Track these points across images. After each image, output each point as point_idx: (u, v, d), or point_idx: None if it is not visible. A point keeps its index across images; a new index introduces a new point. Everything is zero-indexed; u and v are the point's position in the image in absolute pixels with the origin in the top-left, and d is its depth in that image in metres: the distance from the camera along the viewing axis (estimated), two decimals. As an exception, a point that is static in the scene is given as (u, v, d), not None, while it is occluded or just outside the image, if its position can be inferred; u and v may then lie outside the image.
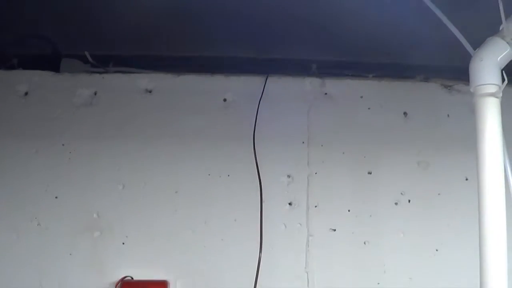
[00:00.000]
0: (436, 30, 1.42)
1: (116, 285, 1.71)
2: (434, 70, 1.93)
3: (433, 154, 1.88)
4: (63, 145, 1.82)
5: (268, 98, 1.85)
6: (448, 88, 1.93)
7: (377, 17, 1.59)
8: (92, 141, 1.82)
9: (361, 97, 1.90)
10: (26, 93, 1.85)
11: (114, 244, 1.78)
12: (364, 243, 1.82)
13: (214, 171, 1.82)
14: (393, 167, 1.86)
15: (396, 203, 1.85)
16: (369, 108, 1.90)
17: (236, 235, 1.79)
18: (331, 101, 1.89)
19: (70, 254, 1.76)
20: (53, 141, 1.82)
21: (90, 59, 1.86)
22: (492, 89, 1.27)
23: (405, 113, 1.90)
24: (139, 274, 1.74)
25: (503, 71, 1.29)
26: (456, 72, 1.82)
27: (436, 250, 1.83)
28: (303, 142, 1.86)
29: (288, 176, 1.84)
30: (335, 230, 1.82)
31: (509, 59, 1.30)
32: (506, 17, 1.30)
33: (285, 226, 1.81)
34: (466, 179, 1.86)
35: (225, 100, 1.87)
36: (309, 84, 1.90)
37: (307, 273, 1.78)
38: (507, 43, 1.28)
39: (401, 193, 1.85)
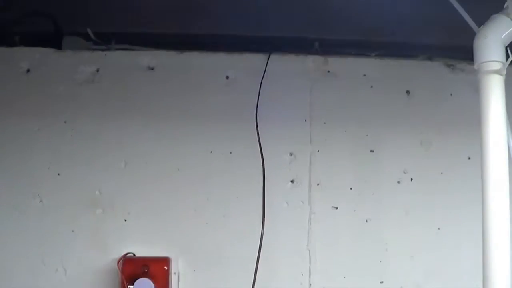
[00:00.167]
0: (440, 8, 1.41)
1: (118, 261, 1.71)
2: (437, 49, 1.92)
3: (436, 133, 1.88)
4: (65, 122, 1.82)
5: (270, 76, 1.84)
6: (451, 67, 1.92)
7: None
8: (94, 118, 1.82)
9: (364, 75, 1.89)
10: (28, 70, 1.84)
11: (116, 221, 1.78)
12: (366, 221, 1.82)
13: (216, 148, 1.82)
14: (395, 145, 1.86)
15: (398, 182, 1.85)
16: (371, 87, 1.89)
17: (238, 212, 1.79)
18: (333, 79, 1.88)
19: (73, 231, 1.77)
20: (55, 118, 1.82)
21: (92, 36, 1.85)
22: (497, 66, 1.27)
23: (408, 92, 1.90)
24: (141, 251, 1.74)
25: (508, 49, 1.29)
26: (459, 51, 1.81)
27: (438, 229, 1.83)
28: (305, 120, 1.85)
29: (291, 154, 1.84)
30: (337, 208, 1.82)
31: (514, 37, 1.29)
32: (511, -6, 1.29)
33: (287, 204, 1.81)
34: (469, 158, 1.86)
35: (227, 77, 1.86)
36: (312, 62, 1.89)
37: (309, 250, 1.79)
38: (512, 20, 1.28)
39: (404, 172, 1.85)
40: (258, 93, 1.82)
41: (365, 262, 1.80)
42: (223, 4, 1.69)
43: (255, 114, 1.81)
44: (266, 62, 1.85)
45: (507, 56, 1.28)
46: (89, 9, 1.76)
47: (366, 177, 1.84)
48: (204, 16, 1.77)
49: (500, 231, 1.23)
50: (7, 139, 1.80)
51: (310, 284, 1.78)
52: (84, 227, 1.77)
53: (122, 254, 1.72)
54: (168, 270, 1.71)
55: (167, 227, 1.78)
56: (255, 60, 1.86)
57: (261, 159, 1.78)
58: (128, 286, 1.67)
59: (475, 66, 1.31)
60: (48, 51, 1.86)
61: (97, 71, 1.85)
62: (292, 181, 1.82)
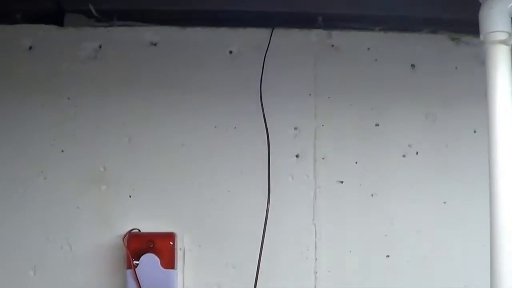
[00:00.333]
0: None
1: (124, 237, 1.70)
2: (442, 23, 1.90)
3: (441, 106, 1.86)
4: (68, 98, 1.81)
5: (274, 51, 1.82)
6: (456, 40, 1.91)
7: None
8: (97, 95, 1.81)
9: (368, 49, 1.88)
10: (30, 47, 1.83)
11: (121, 197, 1.77)
12: (372, 195, 1.81)
13: (221, 123, 1.81)
14: (400, 119, 1.85)
15: (403, 155, 1.83)
16: (376, 60, 1.87)
17: (243, 187, 1.78)
18: (337, 53, 1.87)
19: (77, 208, 1.76)
20: (58, 95, 1.81)
21: (94, 13, 1.84)
22: (503, 36, 1.28)
23: (412, 65, 1.88)
24: (146, 227, 1.74)
25: (513, 19, 1.29)
26: (464, 24, 1.79)
27: (444, 203, 1.82)
28: (310, 94, 1.84)
29: (295, 128, 1.83)
30: (342, 182, 1.81)
31: (519, 7, 1.30)
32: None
33: (292, 178, 1.80)
34: (474, 132, 1.84)
35: (231, 52, 1.85)
36: (316, 36, 1.87)
37: (315, 225, 1.78)
38: (517, -9, 1.28)
39: (409, 145, 1.84)
40: (262, 67, 1.81)
41: (371, 236, 1.79)
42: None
43: (259, 89, 1.80)
44: (269, 36, 1.84)
45: (513, 27, 1.28)
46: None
47: (371, 151, 1.83)
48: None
49: (508, 204, 1.22)
50: (11, 115, 1.79)
51: (316, 259, 1.77)
52: (89, 203, 1.76)
53: (127, 230, 1.72)
54: (173, 245, 1.71)
55: (172, 202, 1.77)
56: (258, 35, 1.85)
57: (265, 134, 1.77)
58: (134, 262, 1.66)
59: (481, 37, 1.31)
60: (51, 28, 1.85)
61: (100, 47, 1.84)
62: (297, 156, 1.81)
